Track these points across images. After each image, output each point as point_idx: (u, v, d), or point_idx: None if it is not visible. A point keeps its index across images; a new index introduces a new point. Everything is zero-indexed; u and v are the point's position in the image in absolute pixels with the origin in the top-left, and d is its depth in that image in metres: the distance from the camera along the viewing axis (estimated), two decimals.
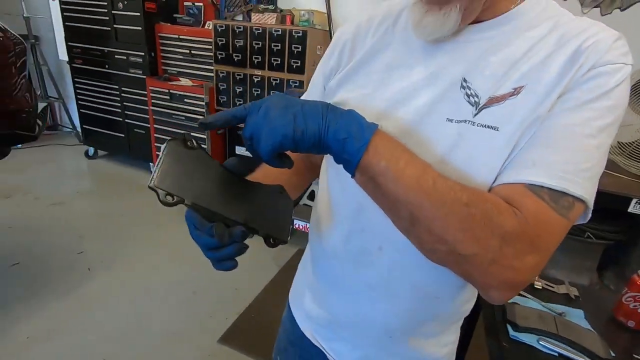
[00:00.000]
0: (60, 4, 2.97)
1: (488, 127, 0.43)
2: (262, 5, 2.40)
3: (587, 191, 0.40)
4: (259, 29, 2.34)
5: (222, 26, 2.45)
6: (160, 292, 1.90)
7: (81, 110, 3.29)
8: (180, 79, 2.82)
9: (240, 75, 2.50)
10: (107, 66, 3.00)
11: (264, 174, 0.54)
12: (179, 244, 2.29)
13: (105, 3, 2.78)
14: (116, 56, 2.93)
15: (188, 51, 2.73)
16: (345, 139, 0.39)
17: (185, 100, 2.72)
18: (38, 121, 1.50)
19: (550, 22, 0.45)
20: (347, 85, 0.53)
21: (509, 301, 0.81)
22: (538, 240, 0.38)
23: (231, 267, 0.43)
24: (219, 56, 2.51)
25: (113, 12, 2.79)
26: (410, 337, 0.57)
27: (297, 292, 0.70)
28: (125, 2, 2.72)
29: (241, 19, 2.47)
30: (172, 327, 1.68)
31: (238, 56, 2.45)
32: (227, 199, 0.42)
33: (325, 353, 0.64)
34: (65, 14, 2.99)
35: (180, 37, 2.73)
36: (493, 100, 0.44)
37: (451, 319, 0.59)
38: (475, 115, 0.44)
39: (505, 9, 0.46)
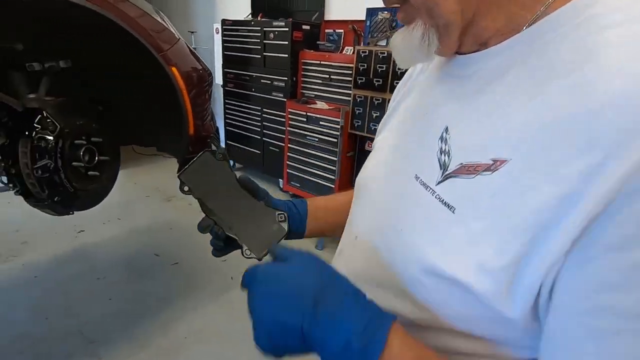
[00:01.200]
0: (222, 36, 3.42)
1: (445, 204, 0.34)
2: None
3: None
4: None
5: (365, 52, 2.47)
6: None
7: (227, 127, 3.71)
8: (317, 102, 2.94)
9: (378, 100, 2.47)
10: (253, 89, 3.33)
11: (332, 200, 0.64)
12: None
13: (259, 34, 3.09)
14: (262, 80, 3.22)
15: (327, 76, 2.83)
16: (344, 346, 0.31)
17: (321, 122, 2.81)
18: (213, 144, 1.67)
19: (588, 46, 0.29)
20: (384, 128, 0.54)
21: None
22: None
23: (214, 254, 0.55)
24: (359, 81, 2.53)
25: (264, 41, 3.08)
26: None
27: None
28: (276, 33, 2.98)
29: (385, 44, 2.46)
30: None
31: (379, 81, 2.43)
32: (226, 204, 0.50)
33: None
34: (225, 44, 3.44)
35: (321, 62, 2.86)
36: (463, 169, 0.33)
37: None
38: (439, 183, 0.35)
39: (518, 25, 0.32)
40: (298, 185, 3.10)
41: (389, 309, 0.36)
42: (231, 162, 3.85)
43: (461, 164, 0.34)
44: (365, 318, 0.32)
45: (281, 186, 3.33)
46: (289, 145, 3.10)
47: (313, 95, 3.00)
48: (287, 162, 3.14)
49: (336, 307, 0.33)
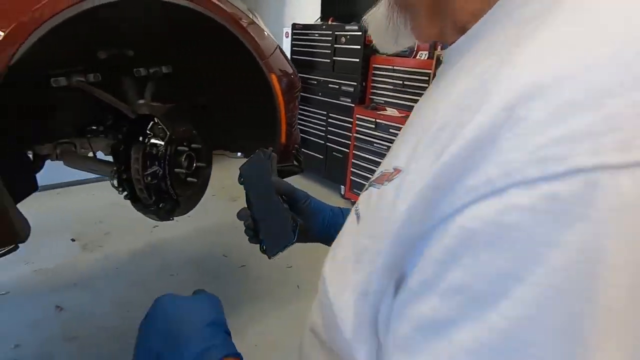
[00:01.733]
0: (292, 40, 3.44)
1: (357, 213, 0.31)
2: None
3: None
4: None
5: None
6: None
7: None
8: (387, 108, 2.83)
9: None
10: (320, 94, 3.30)
11: None
12: None
13: (330, 38, 3.06)
14: (329, 85, 3.19)
15: (401, 82, 2.72)
16: None
17: (391, 130, 2.70)
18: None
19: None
20: None
21: None
22: None
23: (250, 241, 0.58)
24: None
25: (335, 46, 3.04)
26: None
27: None
28: (348, 37, 2.92)
29: None
30: None
31: None
32: (262, 201, 0.56)
33: None
34: (294, 48, 3.45)
35: (394, 67, 2.75)
36: (380, 177, 0.29)
37: None
38: (365, 189, 0.32)
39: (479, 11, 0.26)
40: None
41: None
42: None
43: (382, 171, 0.30)
44: (205, 346, 0.34)
45: (342, 193, 3.26)
46: (354, 152, 3.03)
47: (382, 102, 2.90)
48: (351, 169, 3.07)
49: (192, 334, 0.36)
